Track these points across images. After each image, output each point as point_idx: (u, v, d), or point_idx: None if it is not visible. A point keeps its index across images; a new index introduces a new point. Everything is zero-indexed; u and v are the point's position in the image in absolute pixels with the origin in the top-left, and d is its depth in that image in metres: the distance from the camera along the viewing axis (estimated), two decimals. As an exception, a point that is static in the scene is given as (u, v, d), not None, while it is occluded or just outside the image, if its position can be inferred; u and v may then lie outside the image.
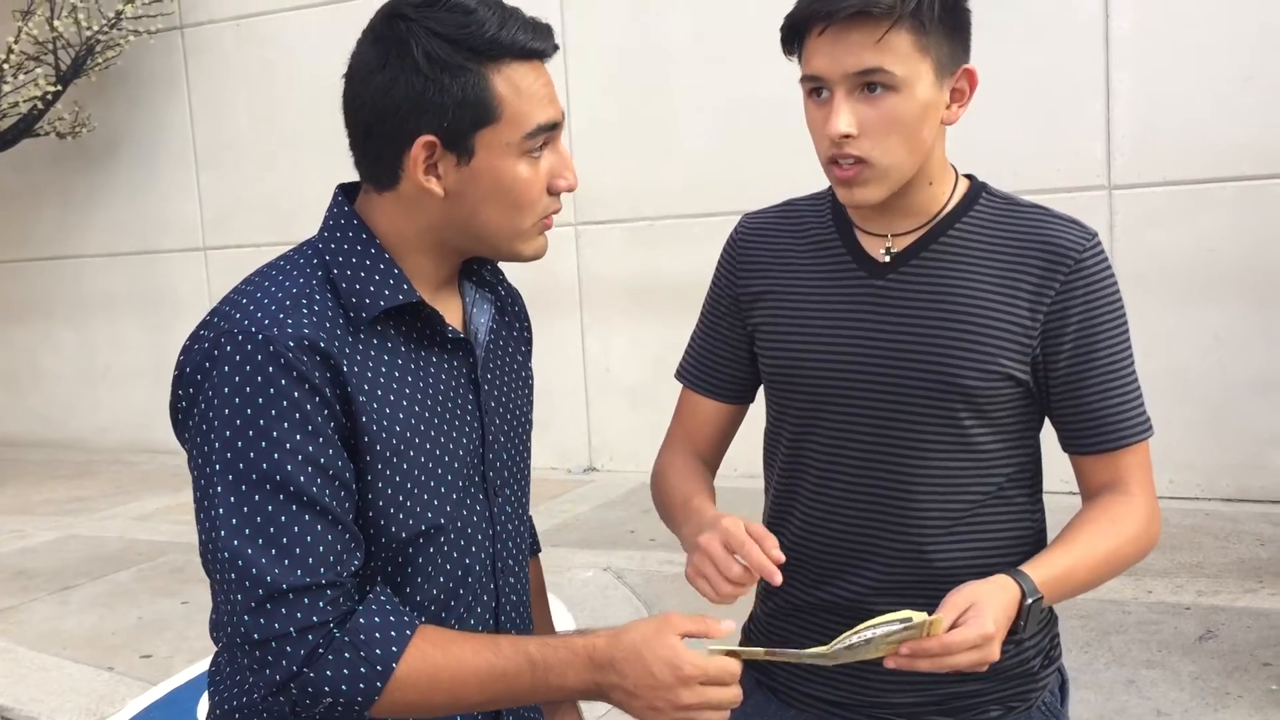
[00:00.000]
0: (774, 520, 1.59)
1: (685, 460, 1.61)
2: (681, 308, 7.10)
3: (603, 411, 6.88)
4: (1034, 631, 1.34)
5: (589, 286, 6.87)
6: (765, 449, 1.62)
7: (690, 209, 6.41)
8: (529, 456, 1.49)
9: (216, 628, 1.31)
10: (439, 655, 1.20)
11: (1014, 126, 5.46)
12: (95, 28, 7.57)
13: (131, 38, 7.68)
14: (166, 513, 6.41)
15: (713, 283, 1.63)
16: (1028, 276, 1.41)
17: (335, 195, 1.33)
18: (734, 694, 1.20)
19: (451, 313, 1.36)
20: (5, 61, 7.27)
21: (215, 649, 1.35)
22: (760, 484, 1.63)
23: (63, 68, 7.65)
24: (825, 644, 1.24)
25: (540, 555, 1.69)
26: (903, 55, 1.34)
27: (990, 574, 1.35)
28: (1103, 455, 1.45)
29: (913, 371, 1.43)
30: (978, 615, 1.25)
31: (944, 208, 1.47)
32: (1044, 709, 1.54)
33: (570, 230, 6.80)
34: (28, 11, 7.42)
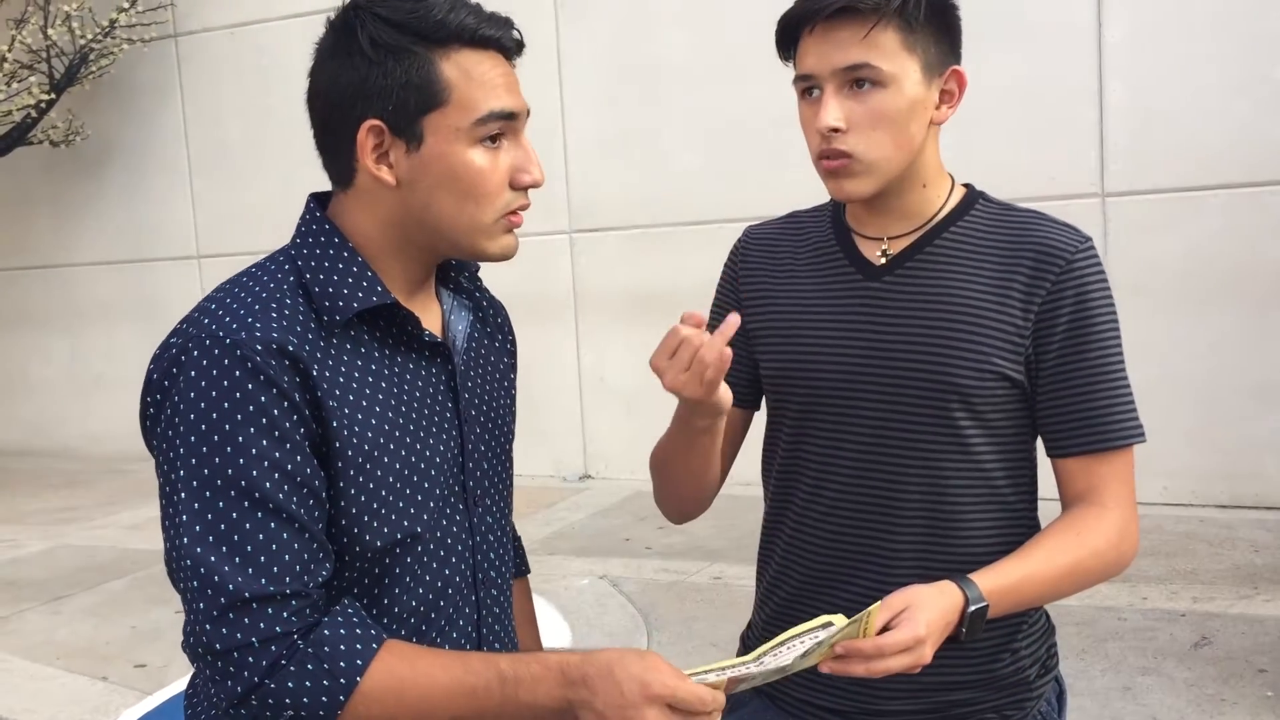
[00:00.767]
0: (771, 524, 1.59)
1: None
2: (676, 316, 7.08)
3: (597, 419, 6.88)
4: (974, 638, 1.33)
5: (583, 295, 6.87)
6: (763, 454, 1.63)
7: (684, 218, 6.42)
8: (511, 468, 1.47)
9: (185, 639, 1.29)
10: (405, 669, 1.17)
11: (1007, 134, 5.48)
12: (89, 36, 7.57)
13: (125, 46, 7.69)
14: (160, 522, 6.39)
15: (716, 291, 1.64)
16: (1020, 277, 1.42)
17: (308, 203, 1.32)
18: None
19: (429, 319, 1.34)
20: (-1, 70, 7.27)
21: (200, 674, 1.32)
22: (742, 490, 1.63)
23: (56, 76, 7.65)
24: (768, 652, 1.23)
25: (529, 576, 1.66)
26: (889, 52, 1.37)
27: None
28: (1082, 459, 1.43)
29: (907, 372, 1.43)
30: (910, 618, 1.25)
31: (939, 212, 1.48)
32: (1040, 718, 1.54)
33: (565, 239, 6.80)
34: (21, 20, 7.43)
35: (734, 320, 1.28)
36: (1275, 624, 3.89)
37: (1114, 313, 1.44)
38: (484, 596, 1.38)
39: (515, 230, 1.30)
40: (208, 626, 1.13)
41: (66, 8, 7.37)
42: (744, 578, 4.65)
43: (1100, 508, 1.42)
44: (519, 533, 1.65)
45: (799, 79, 1.43)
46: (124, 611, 4.87)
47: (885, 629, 1.26)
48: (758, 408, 1.64)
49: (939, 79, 1.42)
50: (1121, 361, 1.44)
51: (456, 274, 1.42)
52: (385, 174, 1.24)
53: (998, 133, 5.39)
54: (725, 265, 1.64)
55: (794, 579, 1.54)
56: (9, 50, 7.32)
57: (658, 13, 6.48)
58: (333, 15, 1.26)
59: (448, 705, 1.17)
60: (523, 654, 1.22)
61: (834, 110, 1.39)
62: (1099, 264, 1.44)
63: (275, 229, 8.94)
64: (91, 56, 7.69)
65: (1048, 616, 1.57)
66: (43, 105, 7.59)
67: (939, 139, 1.48)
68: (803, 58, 1.42)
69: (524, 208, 1.29)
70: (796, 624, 1.30)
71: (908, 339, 1.44)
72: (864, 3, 1.36)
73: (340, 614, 1.18)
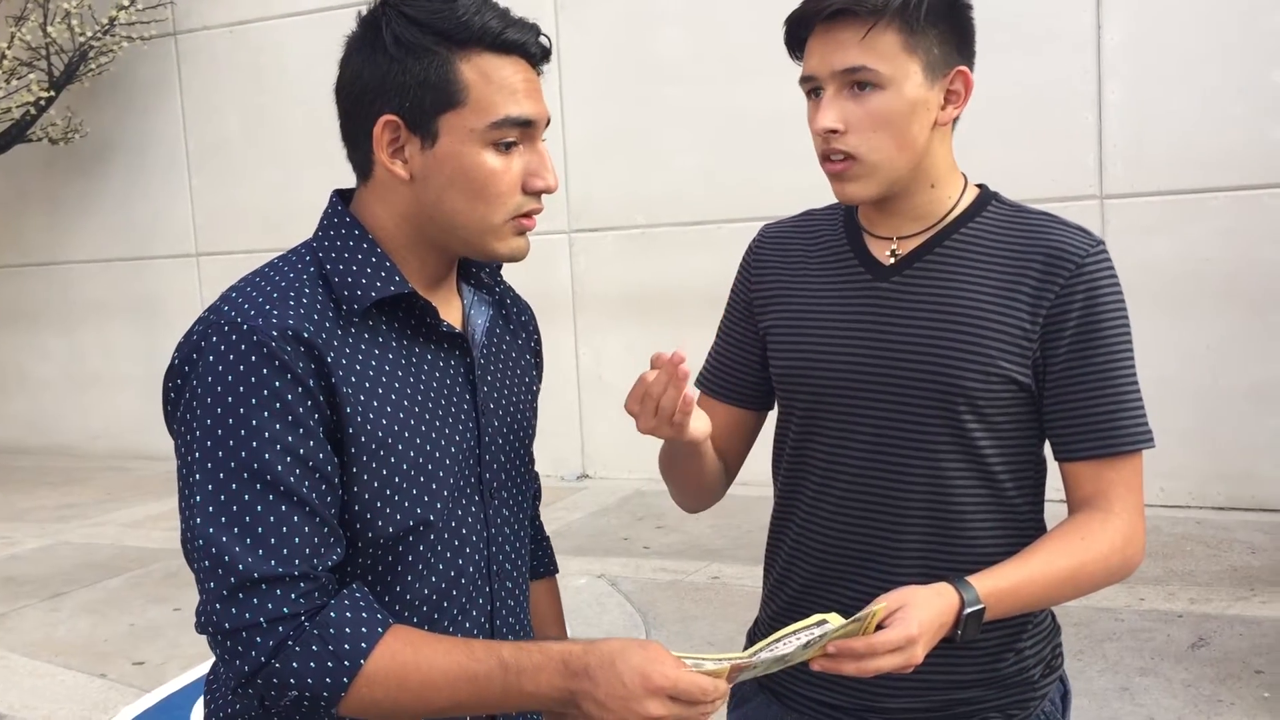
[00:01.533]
0: (779, 520, 1.60)
1: None
2: (674, 315, 7.13)
3: (596, 419, 6.88)
4: (970, 639, 1.33)
5: (582, 294, 6.87)
6: (773, 452, 1.63)
7: (683, 217, 6.42)
8: (531, 463, 1.48)
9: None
10: (409, 654, 1.18)
11: (1007, 136, 5.48)
12: (89, 33, 7.57)
13: (125, 44, 7.69)
14: (158, 519, 6.39)
15: (730, 292, 1.65)
16: (1029, 279, 1.42)
17: (331, 197, 1.34)
18: (704, 711, 1.17)
19: (449, 311, 1.36)
20: (-2, 67, 7.27)
21: (214, 655, 1.35)
22: (769, 493, 1.63)
23: (56, 73, 7.65)
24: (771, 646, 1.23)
25: (558, 577, 1.67)
26: (888, 54, 1.37)
27: None
28: (1090, 463, 1.43)
29: (913, 373, 1.43)
30: (904, 618, 1.26)
31: (950, 212, 1.48)
32: (1044, 718, 1.54)
33: (564, 238, 6.80)
34: (21, 17, 7.43)
35: (678, 358, 1.28)
36: (1272, 625, 3.89)
37: (1124, 317, 1.42)
38: (498, 589, 1.39)
39: (527, 233, 1.31)
40: (217, 606, 1.16)
41: (66, 5, 7.37)
42: (742, 577, 4.65)
43: (1106, 513, 1.41)
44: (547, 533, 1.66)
45: (803, 79, 1.44)
46: (122, 609, 4.88)
47: (879, 627, 1.27)
48: (771, 408, 1.64)
49: (943, 79, 1.41)
50: (1131, 366, 1.43)
51: (478, 269, 1.43)
52: (399, 169, 1.26)
53: (997, 134, 5.39)
54: (740, 263, 1.64)
55: (800, 576, 1.55)
56: (8, 47, 7.32)
57: (657, 12, 6.49)
58: (364, 10, 1.28)
59: (450, 691, 1.19)
60: (525, 643, 1.23)
61: (832, 112, 1.39)
62: (1110, 267, 1.43)
63: (274, 227, 8.95)
64: (91, 54, 7.68)
65: (1053, 617, 1.57)
66: (42, 102, 7.59)
67: (950, 139, 1.47)
68: (807, 58, 1.43)
69: (536, 211, 1.30)
70: (799, 620, 1.31)
71: (914, 340, 1.44)
72: (862, 5, 1.36)
73: (348, 597, 1.20)
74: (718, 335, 1.66)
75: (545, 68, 1.32)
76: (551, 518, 5.93)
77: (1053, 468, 1.52)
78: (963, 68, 1.43)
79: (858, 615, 1.25)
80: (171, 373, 1.23)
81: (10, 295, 8.93)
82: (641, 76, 6.53)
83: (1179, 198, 5.40)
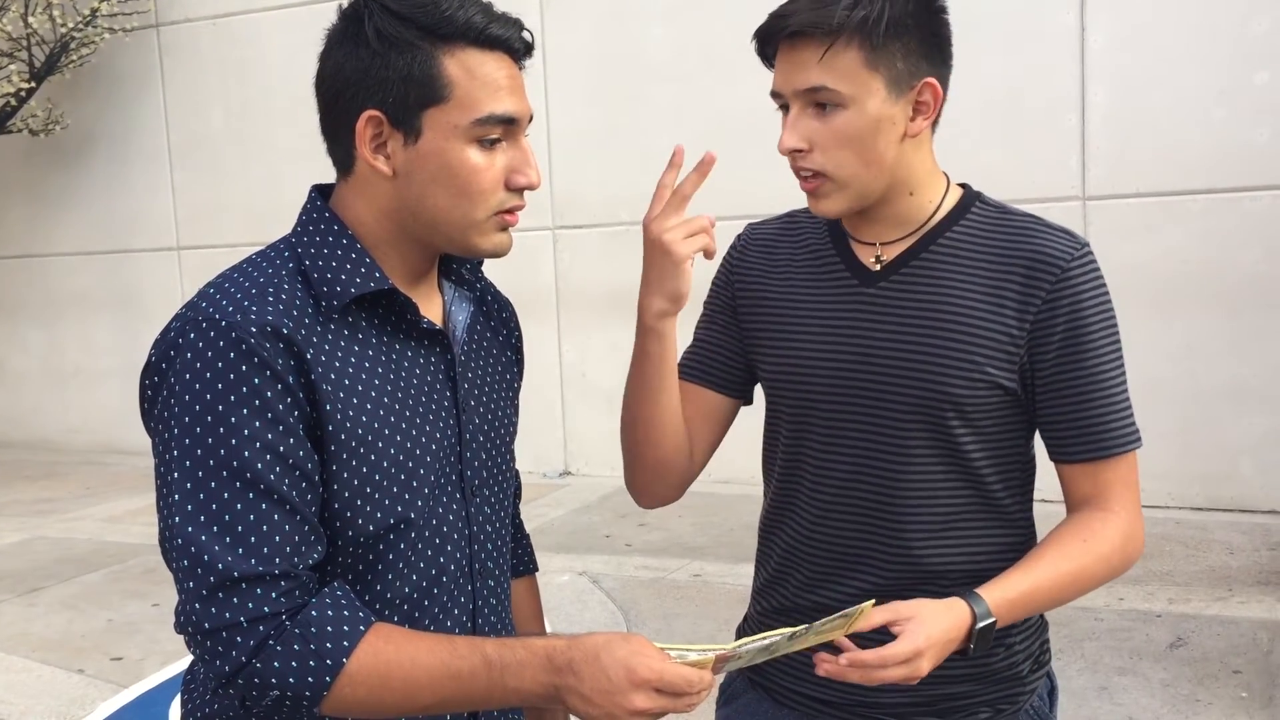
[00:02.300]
0: (771, 523, 1.60)
1: None
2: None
3: (579, 416, 6.88)
4: (985, 651, 1.35)
5: (566, 291, 6.86)
6: (764, 455, 1.64)
7: (668, 214, 6.41)
8: (512, 460, 1.47)
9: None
10: (392, 651, 1.17)
11: (990, 137, 5.50)
12: (70, 24, 7.51)
13: (107, 35, 7.63)
14: (137, 514, 6.36)
15: (712, 286, 1.64)
16: (1014, 285, 1.42)
17: (309, 193, 1.33)
18: (690, 703, 1.17)
19: (429, 308, 1.35)
20: (-22, 57, 7.21)
21: (193, 655, 1.34)
22: (751, 490, 1.63)
23: (37, 64, 7.59)
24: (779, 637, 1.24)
25: (537, 575, 1.67)
26: (848, 72, 1.36)
27: (982, 578, 1.37)
28: (1085, 465, 1.44)
29: (900, 379, 1.44)
30: (911, 632, 1.27)
31: (933, 216, 1.48)
32: (1032, 712, 1.55)
33: (548, 235, 6.79)
34: (2, 7, 7.36)
35: (710, 159, 1.41)
36: (1250, 626, 3.92)
37: (1111, 318, 1.43)
38: (480, 587, 1.38)
39: (510, 229, 1.30)
40: (197, 605, 1.14)
41: (47, -4, 7.32)
42: (724, 575, 4.66)
43: (1106, 511, 1.44)
44: (527, 531, 1.65)
45: (772, 94, 1.45)
46: (100, 604, 4.85)
47: (886, 634, 1.28)
48: (747, 401, 1.64)
49: (910, 92, 1.40)
50: (1119, 368, 1.44)
51: (458, 266, 1.42)
52: (382, 164, 1.25)
53: (980, 136, 5.41)
54: (723, 261, 1.63)
55: (796, 577, 1.55)
56: (-11, 38, 7.26)
57: (642, 9, 6.48)
58: (345, 2, 1.27)
59: (433, 688, 1.18)
60: (509, 639, 1.22)
61: (795, 132, 1.40)
62: (1096, 270, 1.43)
63: (256, 220, 8.89)
64: (72, 45, 7.63)
65: (1041, 614, 1.59)
66: (22, 93, 7.53)
67: (928, 144, 1.46)
68: (775, 74, 1.43)
69: (518, 208, 1.30)
70: (793, 619, 1.31)
71: (901, 347, 1.44)
72: (819, 25, 1.35)
73: (329, 595, 1.19)
74: (698, 328, 1.65)
75: (528, 63, 1.31)
76: (533, 514, 5.91)
77: (1044, 468, 1.54)
78: (930, 79, 1.40)
79: (845, 611, 1.25)
80: (149, 370, 1.22)
81: (-11, 287, 8.87)
82: (627, 74, 6.52)
83: (1161, 199, 5.43)
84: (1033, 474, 1.53)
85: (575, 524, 5.78)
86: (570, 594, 4.64)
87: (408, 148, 1.24)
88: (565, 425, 6.93)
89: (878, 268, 1.48)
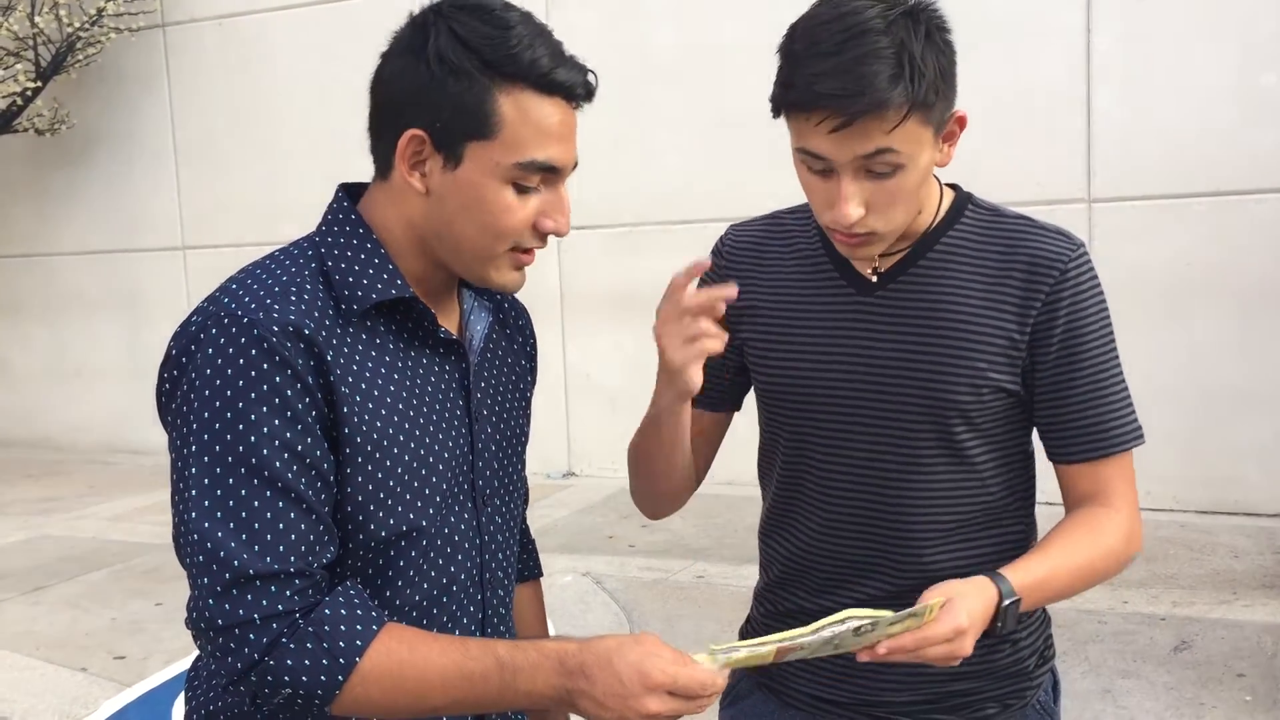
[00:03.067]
0: (773, 529, 1.59)
1: None
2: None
3: (582, 417, 6.87)
4: (1010, 631, 1.35)
5: (569, 293, 6.86)
6: (760, 461, 1.63)
7: (670, 216, 6.42)
8: (522, 469, 1.47)
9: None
10: (405, 652, 1.17)
11: (995, 140, 5.49)
12: (76, 24, 7.53)
13: (113, 35, 7.64)
14: (141, 513, 6.36)
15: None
16: (1013, 289, 1.42)
17: (336, 193, 1.33)
18: (701, 704, 1.17)
19: (448, 316, 1.35)
20: (-16, 56, 7.22)
21: (197, 651, 1.33)
22: (753, 492, 1.63)
23: (43, 64, 7.61)
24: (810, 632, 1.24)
25: (542, 580, 1.67)
26: (911, 135, 1.31)
27: None
28: (1085, 464, 1.45)
29: (905, 388, 1.43)
30: (951, 610, 1.27)
31: (929, 222, 1.47)
32: (1038, 707, 1.56)
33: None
34: (8, 7, 7.38)
35: (730, 294, 1.31)
36: (1254, 629, 3.91)
37: (1108, 317, 1.44)
38: (490, 596, 1.38)
39: (524, 268, 1.30)
40: (210, 601, 1.14)
41: (54, -5, 7.33)
42: (727, 576, 4.65)
43: (1109, 508, 1.44)
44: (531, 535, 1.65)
45: (806, 154, 1.34)
46: (104, 603, 4.85)
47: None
48: (737, 408, 1.63)
49: (945, 129, 1.37)
50: (1118, 366, 1.45)
51: None
52: (416, 181, 1.24)
53: (986, 138, 5.39)
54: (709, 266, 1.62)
55: (801, 585, 1.55)
56: (-5, 37, 7.28)
57: (647, 12, 6.48)
58: (416, 10, 1.26)
59: (445, 689, 1.18)
60: (521, 641, 1.22)
61: (856, 202, 1.33)
62: (1092, 270, 1.43)
63: (261, 220, 8.89)
64: (78, 45, 7.64)
65: (1044, 608, 1.59)
66: (28, 93, 7.54)
67: None
68: (810, 137, 1.32)
69: (538, 247, 1.29)
70: (797, 622, 1.31)
71: (904, 356, 1.43)
72: (893, 104, 1.26)
73: (342, 594, 1.19)
74: None
75: (587, 105, 1.29)
76: (537, 515, 5.92)
77: (1044, 471, 1.53)
78: (959, 111, 1.38)
79: (913, 610, 1.25)
80: (168, 363, 1.21)
81: (-6, 286, 8.88)
82: (631, 76, 6.52)
83: (1167, 202, 5.42)
84: (1033, 471, 1.54)
85: (578, 525, 5.77)
86: (573, 595, 4.64)
87: (445, 172, 1.23)
88: (569, 426, 6.93)
89: (874, 277, 1.47)
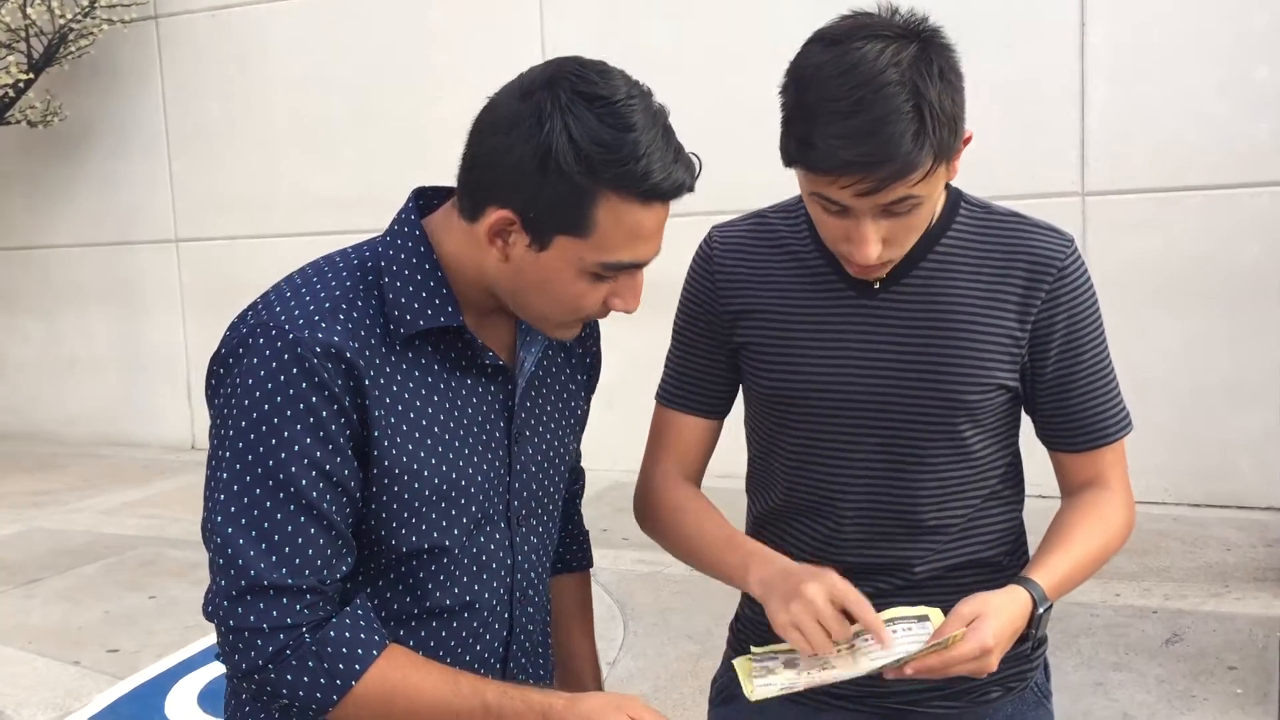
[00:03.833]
0: (772, 539, 1.58)
1: (693, 491, 1.59)
2: (656, 308, 7.06)
3: (576, 410, 6.87)
4: (1043, 637, 1.39)
5: (564, 284, 6.85)
6: (752, 471, 1.62)
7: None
8: (562, 487, 1.47)
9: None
10: (398, 679, 1.22)
11: (989, 132, 5.45)
12: (69, 16, 7.49)
13: (105, 26, 7.60)
14: (134, 506, 6.35)
15: (687, 299, 1.59)
16: (1014, 287, 1.44)
17: (408, 201, 1.32)
18: None
19: (499, 337, 1.34)
20: (-24, 48, 7.19)
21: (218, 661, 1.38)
22: (728, 484, 1.63)
23: (35, 55, 7.57)
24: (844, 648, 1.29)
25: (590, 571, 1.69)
26: (932, 178, 1.31)
27: (996, 564, 1.44)
28: (1084, 454, 1.50)
29: (915, 389, 1.44)
30: (978, 630, 1.29)
31: (928, 224, 1.46)
32: (1037, 689, 1.61)
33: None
34: (0, -2, 7.34)
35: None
36: (1246, 622, 3.92)
37: (1099, 309, 1.47)
38: (519, 615, 1.40)
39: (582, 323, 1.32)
40: (224, 603, 1.19)
41: (46, -14, 7.30)
42: (720, 570, 4.65)
43: (1109, 490, 1.49)
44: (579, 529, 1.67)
45: (821, 198, 1.34)
46: (97, 596, 4.84)
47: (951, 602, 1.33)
48: (728, 413, 1.63)
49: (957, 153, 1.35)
50: (1109, 358, 1.49)
51: None
52: (497, 250, 1.23)
53: (980, 130, 5.37)
54: (694, 269, 1.58)
55: None
56: (-13, 29, 7.24)
57: (643, 3, 6.47)
58: (536, 77, 1.20)
59: None
60: (510, 687, 1.26)
61: (876, 241, 1.33)
62: (1084, 264, 1.47)
63: (254, 214, 8.81)
64: (71, 36, 7.60)
65: None
66: (20, 85, 7.51)
67: None
68: (828, 189, 1.31)
69: (602, 317, 1.31)
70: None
71: (911, 358, 1.44)
72: (919, 165, 1.26)
73: (349, 615, 1.23)
74: (678, 347, 1.61)
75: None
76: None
77: (1042, 467, 1.56)
78: (967, 132, 1.36)
79: (937, 643, 1.28)
80: (217, 358, 1.25)
81: (-13, 279, 8.85)
82: (627, 68, 6.48)
83: (1160, 195, 5.42)
84: (1021, 461, 1.58)
85: (573, 518, 5.77)
86: (567, 588, 4.64)
87: (529, 250, 1.22)
88: (563, 419, 6.92)
89: (875, 281, 1.47)
